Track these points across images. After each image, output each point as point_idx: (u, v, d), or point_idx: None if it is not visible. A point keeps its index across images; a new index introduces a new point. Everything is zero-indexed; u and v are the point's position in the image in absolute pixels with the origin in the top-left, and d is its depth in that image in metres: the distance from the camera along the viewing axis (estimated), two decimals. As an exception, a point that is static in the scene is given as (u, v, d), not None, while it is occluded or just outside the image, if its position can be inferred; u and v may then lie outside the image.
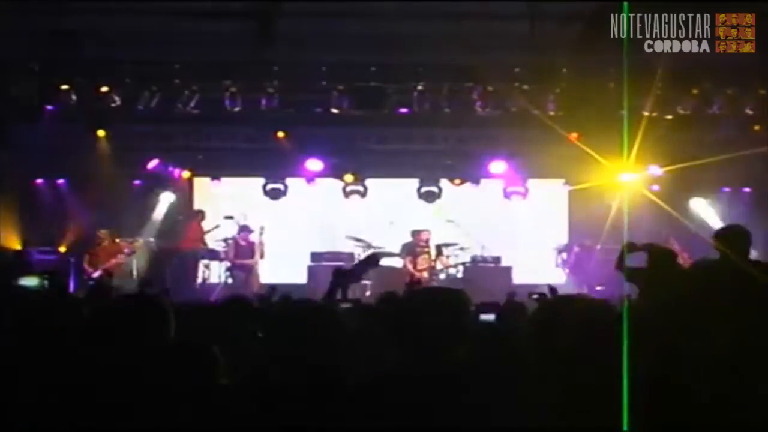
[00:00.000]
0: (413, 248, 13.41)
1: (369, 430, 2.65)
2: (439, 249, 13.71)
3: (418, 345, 2.78)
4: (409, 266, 13.24)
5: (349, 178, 14.76)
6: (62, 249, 13.69)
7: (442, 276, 13.64)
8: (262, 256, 13.77)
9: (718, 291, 4.85)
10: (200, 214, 14.54)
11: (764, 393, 2.56)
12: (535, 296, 7.73)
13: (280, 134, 13.52)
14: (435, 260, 13.54)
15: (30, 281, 3.77)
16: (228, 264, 13.85)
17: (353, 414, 2.68)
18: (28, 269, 11.54)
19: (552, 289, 8.25)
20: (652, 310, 5.14)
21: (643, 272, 6.39)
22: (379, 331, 3.96)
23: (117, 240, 13.30)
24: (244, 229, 13.76)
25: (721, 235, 5.40)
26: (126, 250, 13.36)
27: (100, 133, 13.27)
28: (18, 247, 13.34)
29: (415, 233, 13.59)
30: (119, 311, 2.90)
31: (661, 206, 12.08)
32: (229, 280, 13.69)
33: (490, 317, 5.46)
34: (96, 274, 12.71)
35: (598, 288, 12.57)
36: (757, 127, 12.79)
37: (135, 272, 13.61)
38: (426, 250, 13.40)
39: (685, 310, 4.76)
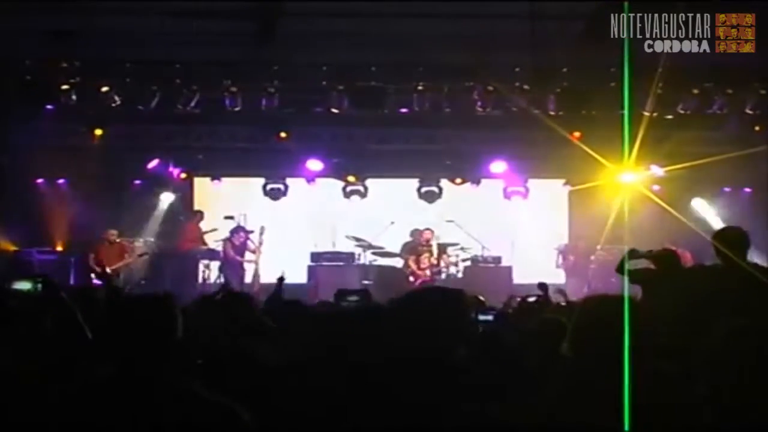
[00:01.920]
0: (415, 247, 13.41)
1: (369, 429, 2.64)
2: (440, 248, 13.70)
3: (418, 344, 2.76)
4: (413, 265, 13.23)
5: (349, 178, 14.74)
6: (61, 249, 13.68)
7: (443, 276, 13.64)
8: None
9: (720, 291, 4.83)
10: (199, 215, 14.54)
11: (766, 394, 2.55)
12: (532, 299, 7.58)
13: (283, 134, 13.51)
14: (437, 259, 13.54)
15: (23, 285, 3.73)
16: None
17: (352, 412, 2.67)
18: (27, 269, 11.52)
19: (542, 285, 8.02)
20: (656, 310, 5.13)
21: (647, 273, 6.36)
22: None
23: (120, 240, 13.31)
24: (239, 229, 13.77)
25: (720, 236, 5.41)
26: (128, 251, 13.36)
27: (100, 132, 13.26)
28: (17, 247, 13.33)
29: (417, 232, 13.57)
30: (127, 313, 2.88)
31: (662, 206, 12.05)
32: (220, 279, 13.66)
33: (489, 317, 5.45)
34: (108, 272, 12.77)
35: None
36: (757, 127, 12.79)
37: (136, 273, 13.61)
38: (428, 249, 13.40)
39: (687, 310, 4.75)
